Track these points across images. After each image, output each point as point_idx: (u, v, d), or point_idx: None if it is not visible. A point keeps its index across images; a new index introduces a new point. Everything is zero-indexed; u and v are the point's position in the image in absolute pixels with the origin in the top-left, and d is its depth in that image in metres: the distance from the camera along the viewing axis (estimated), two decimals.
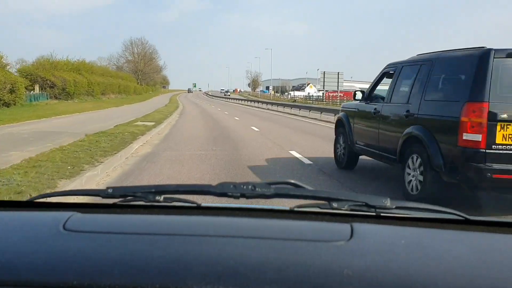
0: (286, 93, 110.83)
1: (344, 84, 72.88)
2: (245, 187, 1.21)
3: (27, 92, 33.35)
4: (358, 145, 7.76)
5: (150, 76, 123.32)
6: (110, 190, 1.32)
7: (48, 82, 39.73)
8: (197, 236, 1.08)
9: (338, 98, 71.35)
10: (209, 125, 20.81)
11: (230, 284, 0.86)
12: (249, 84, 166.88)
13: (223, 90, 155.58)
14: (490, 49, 4.98)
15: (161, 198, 1.30)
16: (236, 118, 27.47)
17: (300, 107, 35.51)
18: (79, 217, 1.21)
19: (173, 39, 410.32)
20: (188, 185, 1.51)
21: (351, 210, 1.24)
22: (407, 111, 6.06)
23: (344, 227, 1.13)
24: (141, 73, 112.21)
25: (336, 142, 8.81)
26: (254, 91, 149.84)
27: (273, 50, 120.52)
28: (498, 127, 4.76)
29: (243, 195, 1.22)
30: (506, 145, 4.74)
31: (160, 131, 16.94)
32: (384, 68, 7.52)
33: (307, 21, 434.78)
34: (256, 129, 18.61)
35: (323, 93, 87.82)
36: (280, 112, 36.48)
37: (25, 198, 5.23)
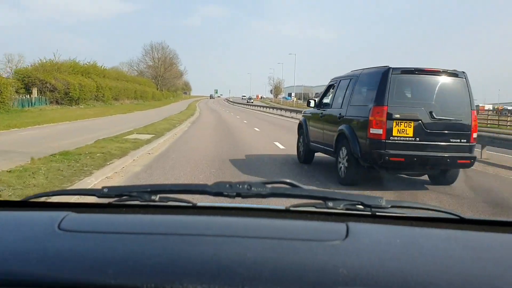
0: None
1: None
2: (240, 186, 1.22)
3: (18, 96, 29.96)
4: (312, 143, 9.68)
5: (170, 81, 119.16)
6: (105, 190, 1.31)
7: (48, 85, 35.91)
8: (193, 236, 1.09)
9: None
10: (222, 139, 16.91)
11: (226, 283, 0.87)
12: (271, 91, 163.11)
13: (245, 96, 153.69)
14: (389, 68, 7.14)
15: (157, 197, 1.30)
16: (256, 129, 23.85)
17: None
18: (74, 216, 1.21)
19: (196, 46, 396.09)
20: (183, 184, 1.53)
21: (347, 209, 1.25)
22: (340, 114, 8.14)
23: (340, 227, 1.14)
24: (161, 79, 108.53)
25: (298, 141, 10.75)
26: (276, 97, 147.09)
27: (296, 57, 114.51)
28: (394, 124, 6.91)
29: (238, 195, 1.22)
30: (399, 137, 6.92)
31: (154, 148, 12.90)
32: (329, 82, 9.74)
33: (331, 28, 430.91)
34: (282, 146, 14.52)
35: None
36: None
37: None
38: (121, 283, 0.87)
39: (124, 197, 1.35)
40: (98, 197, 1.34)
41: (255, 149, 13.16)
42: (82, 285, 0.88)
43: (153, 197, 1.31)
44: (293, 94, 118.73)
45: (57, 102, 36.73)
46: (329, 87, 9.68)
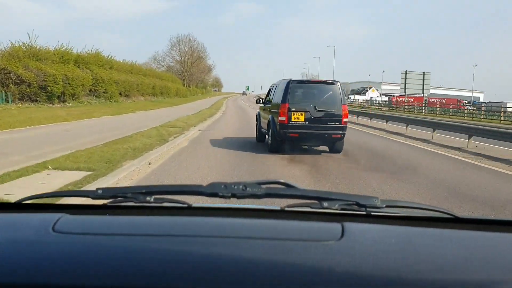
0: (345, 97, 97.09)
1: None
2: (236, 187, 1.28)
3: None
4: (261, 128, 15.17)
5: (198, 77, 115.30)
6: (100, 191, 1.38)
7: (12, 76, 28.36)
8: (188, 237, 1.14)
9: (406, 104, 61.84)
10: (236, 163, 10.86)
11: (221, 284, 0.92)
12: None
13: None
14: (290, 79, 12.78)
15: (152, 198, 1.36)
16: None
17: (371, 116, 30.31)
18: (69, 218, 1.26)
19: (229, 43, 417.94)
20: (178, 185, 1.58)
21: (342, 209, 1.33)
22: (270, 107, 13.85)
23: (335, 227, 1.20)
24: (188, 74, 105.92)
25: (256, 127, 16.37)
26: None
27: (328, 54, 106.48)
28: (292, 114, 12.07)
29: (234, 195, 1.28)
30: (295, 122, 12.01)
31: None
32: (269, 86, 15.81)
33: (367, 24, 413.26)
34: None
35: (389, 98, 69.37)
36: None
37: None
38: (116, 284, 0.92)
39: (119, 198, 1.41)
40: (93, 198, 1.39)
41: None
42: None
43: (148, 198, 1.36)
44: None
45: (30, 99, 27.03)
46: (269, 90, 15.59)
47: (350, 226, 1.20)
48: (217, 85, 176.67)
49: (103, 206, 1.44)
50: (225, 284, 0.91)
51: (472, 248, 1.16)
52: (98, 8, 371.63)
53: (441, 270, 0.98)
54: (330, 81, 12.55)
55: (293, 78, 12.64)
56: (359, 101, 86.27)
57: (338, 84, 12.55)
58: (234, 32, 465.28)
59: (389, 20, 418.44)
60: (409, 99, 63.93)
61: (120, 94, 44.96)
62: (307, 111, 12.02)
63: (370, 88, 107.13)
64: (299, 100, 12.24)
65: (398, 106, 57.91)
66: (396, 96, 66.89)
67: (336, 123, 12.00)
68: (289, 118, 12.01)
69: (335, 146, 12.82)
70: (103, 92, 40.40)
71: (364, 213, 1.33)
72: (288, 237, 1.14)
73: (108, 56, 47.56)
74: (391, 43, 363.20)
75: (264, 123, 14.19)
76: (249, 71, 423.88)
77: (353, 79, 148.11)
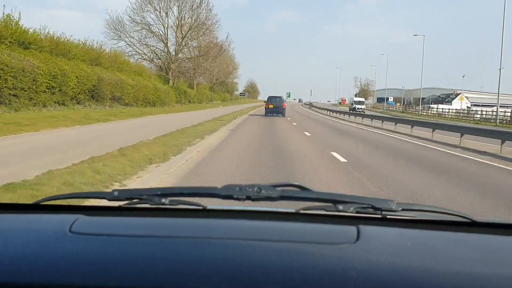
0: (427, 106, 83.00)
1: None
2: (250, 189, 1.28)
3: None
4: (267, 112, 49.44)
5: (211, 71, 78.22)
6: (116, 193, 1.40)
7: None
8: (203, 239, 1.15)
9: None
10: None
11: (236, 286, 0.93)
12: (356, 94, 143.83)
13: (329, 101, 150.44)
14: (269, 96, 51.87)
15: (167, 200, 1.38)
16: None
17: None
18: (85, 219, 1.29)
19: (271, 50, 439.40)
20: (193, 187, 1.57)
21: (357, 212, 1.32)
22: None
23: (350, 229, 1.19)
24: (177, 61, 64.23)
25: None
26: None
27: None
28: (269, 105, 48.21)
29: (248, 198, 1.29)
30: (270, 108, 47.47)
31: None
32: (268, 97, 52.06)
33: (415, 29, 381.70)
34: None
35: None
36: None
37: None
38: (132, 285, 0.94)
39: (135, 200, 1.43)
40: (109, 200, 1.41)
41: None
42: None
43: (163, 200, 1.37)
44: (390, 99, 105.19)
45: None
46: (269, 97, 51.17)
47: (365, 229, 1.19)
48: (251, 91, 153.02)
49: (119, 208, 1.45)
50: (240, 286, 0.92)
51: (490, 253, 1.15)
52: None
53: (459, 275, 0.98)
54: (279, 96, 48.12)
55: (272, 95, 48.10)
56: (449, 110, 68.64)
57: (282, 96, 49.24)
58: (276, 40, 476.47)
59: (432, 23, 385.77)
60: None
61: None
62: (272, 104, 45.77)
63: (457, 95, 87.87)
64: (272, 102, 46.13)
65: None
66: None
67: (281, 108, 45.13)
68: (268, 106, 46.24)
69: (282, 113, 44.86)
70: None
71: (379, 216, 1.31)
72: (303, 240, 1.14)
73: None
74: (443, 47, 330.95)
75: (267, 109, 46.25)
76: (289, 79, 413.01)
77: (408, 85, 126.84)
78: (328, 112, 60.25)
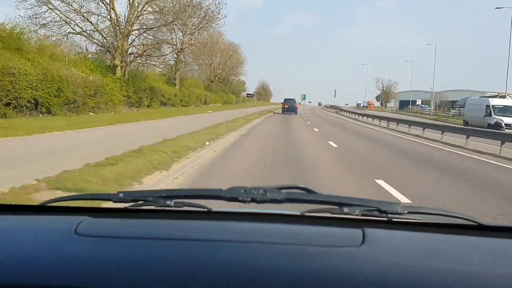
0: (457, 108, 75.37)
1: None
2: (255, 191, 1.28)
3: None
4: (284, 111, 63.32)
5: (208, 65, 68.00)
6: (121, 195, 1.40)
7: None
8: (208, 241, 1.15)
9: None
10: None
11: None
12: (377, 97, 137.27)
13: (359, 103, 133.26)
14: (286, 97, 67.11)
15: (172, 202, 1.38)
16: None
17: None
18: (91, 221, 1.28)
19: (284, 53, 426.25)
20: (198, 189, 1.60)
21: (363, 215, 1.32)
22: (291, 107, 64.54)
23: (356, 232, 1.19)
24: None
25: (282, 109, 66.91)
26: (385, 106, 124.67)
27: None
28: (285, 105, 61.38)
29: (253, 200, 1.28)
30: (285, 108, 59.70)
31: None
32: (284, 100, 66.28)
33: (426, 33, 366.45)
34: None
35: None
36: None
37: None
38: (137, 287, 0.94)
39: (140, 202, 1.44)
40: (114, 202, 1.41)
41: None
42: None
43: (168, 202, 1.38)
44: (418, 102, 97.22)
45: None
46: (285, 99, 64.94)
47: (371, 232, 1.18)
48: (263, 93, 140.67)
49: (124, 210, 1.45)
50: None
51: (497, 256, 1.14)
52: None
53: (465, 279, 0.97)
54: (292, 98, 59.55)
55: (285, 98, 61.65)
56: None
57: (295, 99, 61.68)
58: (289, 43, 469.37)
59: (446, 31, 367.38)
60: None
61: None
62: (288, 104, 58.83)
63: (502, 97, 68.92)
64: (287, 102, 58.39)
65: None
66: None
67: (294, 107, 56.32)
68: (284, 107, 58.21)
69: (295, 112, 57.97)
70: None
71: (385, 219, 1.31)
72: (308, 243, 1.13)
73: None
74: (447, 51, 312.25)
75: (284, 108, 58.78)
76: (303, 81, 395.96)
77: (438, 87, 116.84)
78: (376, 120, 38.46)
